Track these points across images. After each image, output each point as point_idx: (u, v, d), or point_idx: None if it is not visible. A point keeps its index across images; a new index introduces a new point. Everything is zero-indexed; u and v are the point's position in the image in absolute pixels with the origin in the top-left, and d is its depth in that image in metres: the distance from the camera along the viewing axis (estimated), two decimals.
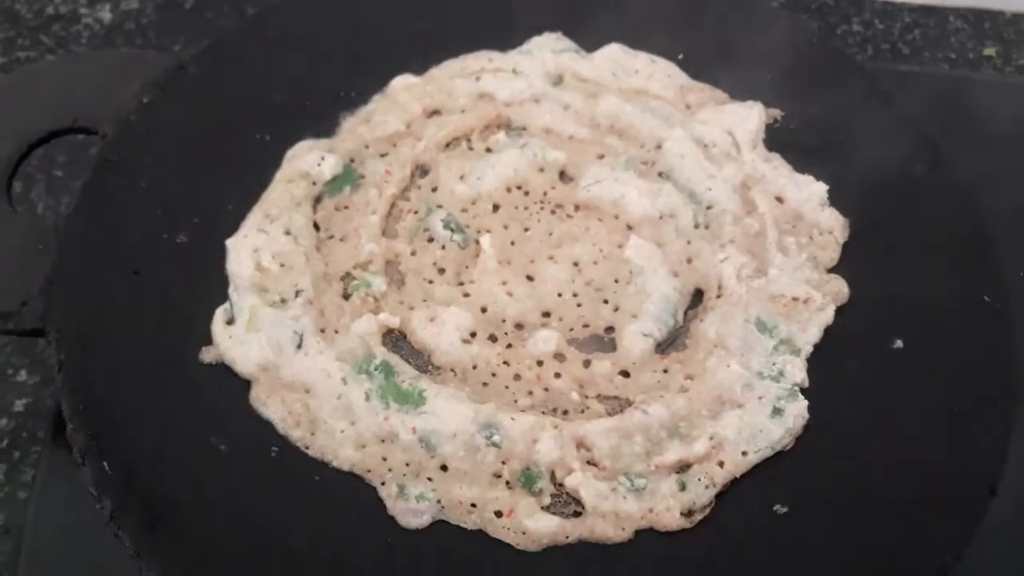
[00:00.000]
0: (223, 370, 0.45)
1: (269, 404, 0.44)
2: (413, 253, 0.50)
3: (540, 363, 0.46)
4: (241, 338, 0.45)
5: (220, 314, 0.46)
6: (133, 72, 0.53)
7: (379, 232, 0.50)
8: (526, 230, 0.51)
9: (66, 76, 0.53)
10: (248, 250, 0.47)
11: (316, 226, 0.50)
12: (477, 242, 0.50)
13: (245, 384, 0.44)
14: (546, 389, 0.45)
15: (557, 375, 0.46)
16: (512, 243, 0.50)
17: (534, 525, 0.41)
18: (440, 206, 0.52)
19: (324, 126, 0.54)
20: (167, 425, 0.42)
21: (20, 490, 0.65)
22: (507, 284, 0.49)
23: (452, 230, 0.50)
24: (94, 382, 0.43)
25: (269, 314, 0.45)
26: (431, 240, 0.50)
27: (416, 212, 0.52)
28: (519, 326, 0.48)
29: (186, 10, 0.89)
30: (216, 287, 0.47)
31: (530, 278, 0.49)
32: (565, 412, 0.45)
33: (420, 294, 0.48)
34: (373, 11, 0.57)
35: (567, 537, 0.41)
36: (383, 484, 0.42)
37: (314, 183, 0.51)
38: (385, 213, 0.51)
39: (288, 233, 0.49)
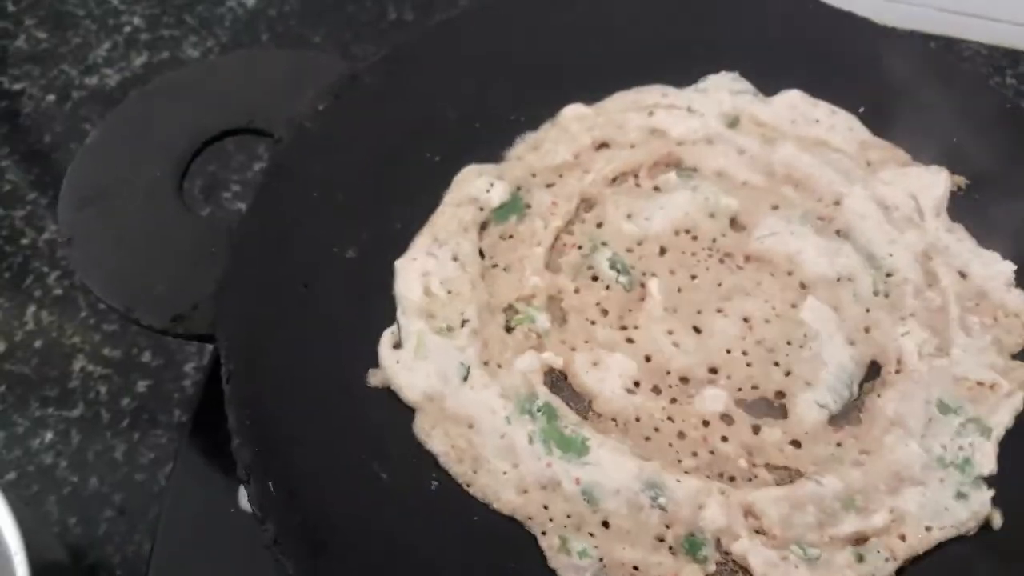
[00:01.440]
0: (388, 395, 0.44)
1: (433, 436, 0.43)
2: (576, 291, 0.49)
3: (706, 423, 0.44)
4: (409, 364, 0.44)
5: (387, 337, 0.45)
6: (308, 75, 0.52)
7: (543, 265, 0.49)
8: (693, 278, 0.49)
9: (242, 74, 0.52)
10: (417, 274, 0.46)
11: (481, 253, 0.49)
12: (642, 285, 0.49)
13: (408, 411, 0.43)
14: (712, 452, 0.44)
15: (724, 438, 0.44)
16: (679, 290, 0.49)
17: None
18: (605, 243, 0.50)
19: (492, 149, 0.52)
20: (330, 448, 0.42)
21: (137, 472, 0.65)
22: (673, 334, 0.47)
23: (618, 271, 0.49)
24: (262, 397, 0.42)
25: (436, 342, 0.44)
26: (595, 279, 0.49)
27: (580, 247, 0.50)
28: (684, 380, 0.46)
29: (327, 1, 0.89)
30: (383, 307, 0.46)
31: (697, 330, 0.48)
32: (732, 478, 0.43)
33: (582, 334, 0.47)
34: (548, 34, 0.56)
35: None
36: (544, 534, 0.41)
37: (481, 209, 0.50)
38: (550, 246, 0.50)
39: (455, 259, 0.48)
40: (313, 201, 0.48)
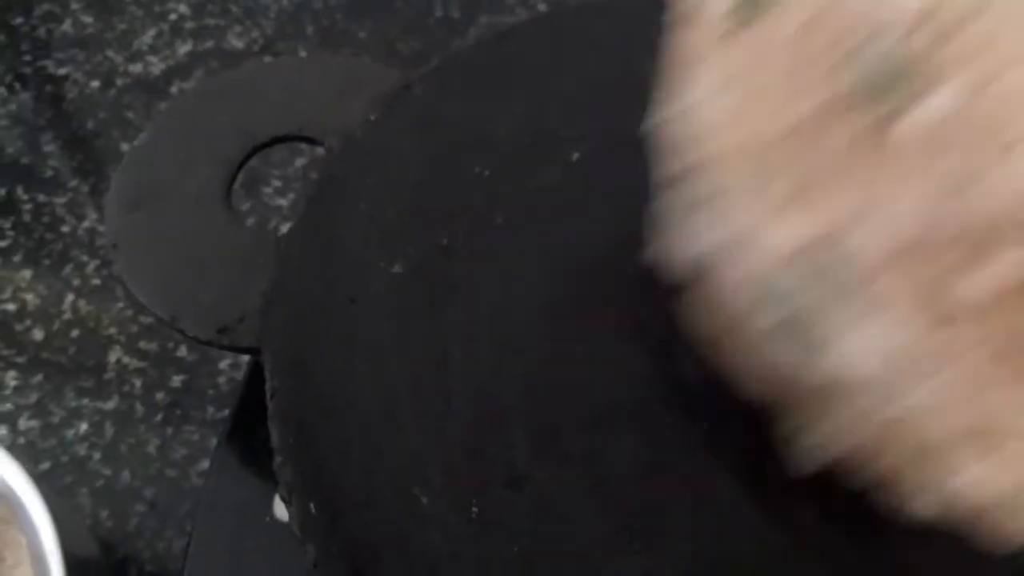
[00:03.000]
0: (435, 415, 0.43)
1: None
2: None
3: None
4: None
5: None
6: (358, 82, 0.52)
7: None
8: None
9: (294, 79, 0.52)
10: None
11: None
12: None
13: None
14: None
15: None
16: None
17: None
18: None
19: (541, 167, 0.52)
20: (371, 470, 0.41)
21: (169, 468, 0.66)
22: None
23: None
24: (306, 415, 0.42)
25: None
26: None
27: None
28: None
29: None
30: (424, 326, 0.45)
31: None
32: None
33: None
34: (605, 49, 0.55)
35: None
36: None
37: None
38: None
39: None
40: (361, 214, 0.48)
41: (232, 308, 0.45)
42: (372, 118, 0.50)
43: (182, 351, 0.70)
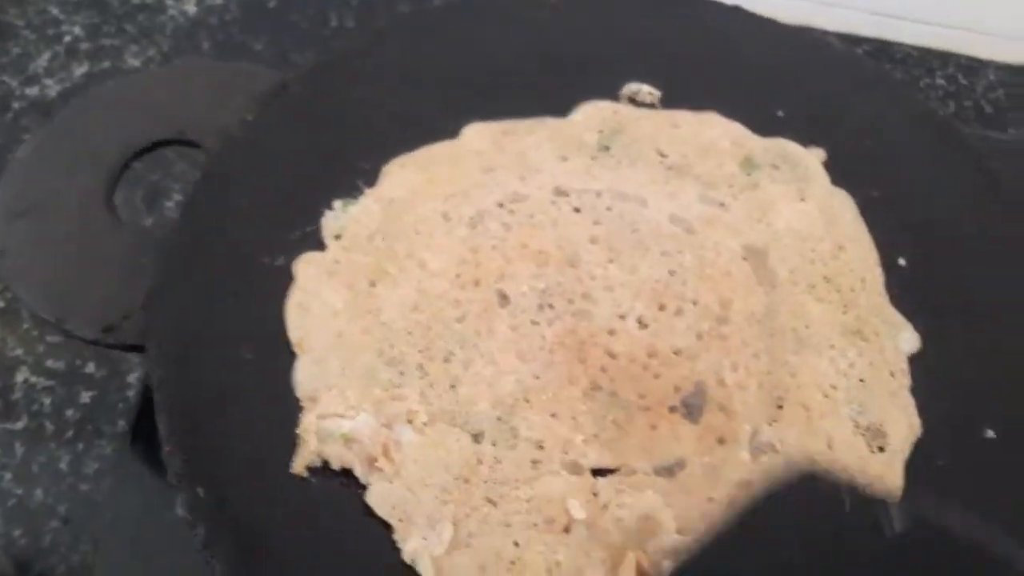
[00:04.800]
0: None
1: None
2: None
3: None
4: None
5: None
6: (240, 86, 0.53)
7: None
8: None
9: (174, 86, 0.53)
10: None
11: None
12: None
13: None
14: None
15: None
16: None
17: None
18: None
19: None
20: (259, 454, 0.43)
21: (83, 482, 0.66)
22: None
23: None
24: (191, 405, 0.43)
25: None
26: None
27: None
28: None
29: (269, 9, 0.89)
30: None
31: None
32: None
33: None
34: (475, 45, 0.57)
35: None
36: None
37: None
38: None
39: None
40: (242, 210, 0.49)
41: (117, 307, 0.46)
42: (250, 118, 0.52)
43: (90, 367, 0.70)
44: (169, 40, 0.86)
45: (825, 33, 0.89)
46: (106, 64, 0.84)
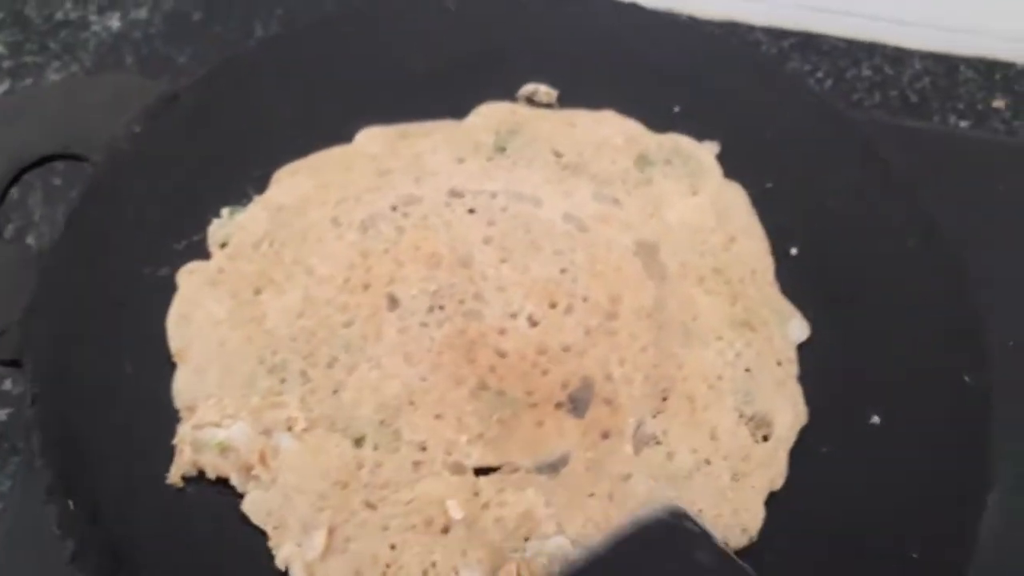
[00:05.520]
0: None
1: None
2: None
3: None
4: None
5: None
6: (131, 99, 0.53)
7: None
8: None
9: (63, 100, 0.53)
10: None
11: None
12: None
13: None
14: None
15: None
16: None
17: None
18: None
19: None
20: (135, 466, 0.43)
21: None
22: None
23: None
24: (67, 418, 0.43)
25: None
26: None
27: None
28: None
29: (194, 22, 0.89)
30: None
31: None
32: None
33: None
34: (376, 51, 0.57)
35: None
36: None
37: None
38: None
39: None
40: (127, 222, 0.49)
41: None
42: (137, 130, 0.51)
43: (7, 384, 0.70)
44: (92, 56, 0.86)
45: (751, 28, 0.89)
46: (28, 81, 0.84)
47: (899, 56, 0.94)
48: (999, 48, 0.90)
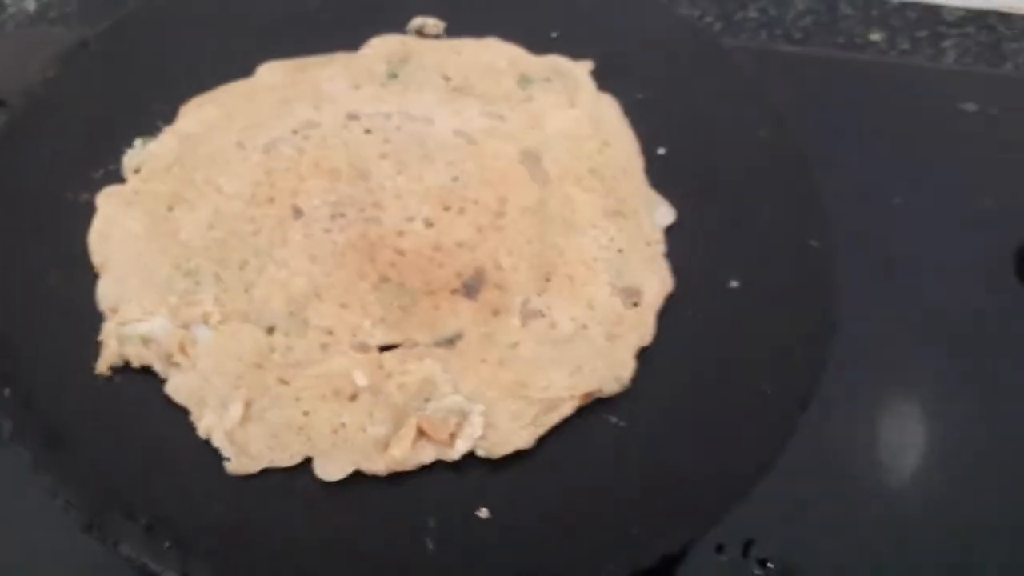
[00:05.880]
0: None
1: None
2: None
3: None
4: None
5: None
6: (42, 47, 0.57)
7: None
8: None
9: None
10: None
11: None
12: None
13: None
14: None
15: None
16: None
17: None
18: None
19: None
20: (64, 359, 0.47)
21: None
22: None
23: None
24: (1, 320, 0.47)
25: None
26: None
27: None
28: None
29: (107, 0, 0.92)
30: None
31: None
32: None
33: None
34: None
35: None
36: None
37: None
38: None
39: None
40: (46, 157, 0.53)
41: None
42: (51, 75, 0.56)
43: None
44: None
45: None
46: None
47: None
48: None
